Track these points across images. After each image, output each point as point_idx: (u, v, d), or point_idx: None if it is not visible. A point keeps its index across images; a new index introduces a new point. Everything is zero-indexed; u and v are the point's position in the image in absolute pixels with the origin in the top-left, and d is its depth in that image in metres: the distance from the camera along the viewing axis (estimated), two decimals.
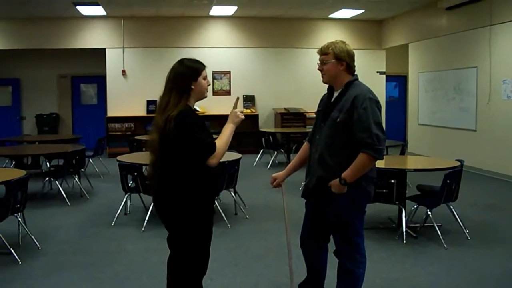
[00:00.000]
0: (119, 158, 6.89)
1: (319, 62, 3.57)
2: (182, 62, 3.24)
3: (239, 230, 6.33)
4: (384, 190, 5.71)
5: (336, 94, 3.56)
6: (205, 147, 3.12)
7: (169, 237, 3.34)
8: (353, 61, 3.54)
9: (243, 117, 3.34)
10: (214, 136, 3.26)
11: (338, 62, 3.49)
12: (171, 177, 3.17)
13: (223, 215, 6.42)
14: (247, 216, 6.92)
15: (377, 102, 3.41)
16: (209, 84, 3.32)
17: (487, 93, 10.33)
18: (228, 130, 3.29)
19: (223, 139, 3.22)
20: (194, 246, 3.26)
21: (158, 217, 3.38)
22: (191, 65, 3.23)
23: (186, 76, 3.17)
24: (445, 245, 5.51)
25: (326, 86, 3.68)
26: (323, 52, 3.55)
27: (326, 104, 3.64)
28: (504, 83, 9.83)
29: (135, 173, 6.40)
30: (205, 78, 3.25)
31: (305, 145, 3.85)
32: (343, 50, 3.49)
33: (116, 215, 6.69)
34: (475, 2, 10.39)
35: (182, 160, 3.13)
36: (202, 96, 3.28)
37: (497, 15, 9.87)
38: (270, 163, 11.57)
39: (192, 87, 3.18)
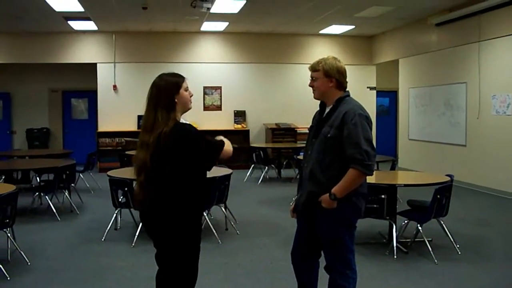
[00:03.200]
0: (110, 173, 6.88)
1: (310, 78, 3.61)
2: (161, 77, 3.25)
3: (229, 246, 6.30)
4: (375, 205, 5.71)
5: (327, 110, 3.59)
6: (216, 145, 3.28)
7: (157, 254, 3.33)
8: (344, 77, 3.56)
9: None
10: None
11: (327, 79, 3.52)
12: (164, 194, 3.15)
13: (214, 231, 6.40)
14: (237, 232, 6.89)
15: (367, 118, 3.43)
16: (192, 95, 3.32)
17: (477, 108, 10.41)
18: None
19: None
20: (183, 262, 3.25)
21: (147, 234, 3.37)
22: (171, 79, 3.24)
23: (169, 91, 3.18)
24: (436, 260, 5.51)
25: (317, 101, 3.71)
26: (313, 68, 3.59)
27: (317, 120, 3.66)
28: (493, 98, 9.91)
29: (126, 188, 6.38)
30: (186, 89, 3.25)
31: None
32: (333, 67, 3.51)
33: (106, 231, 6.65)
34: (464, 19, 10.51)
35: (177, 175, 3.11)
36: (186, 108, 3.28)
37: (486, 32, 9.99)
38: (261, 178, 11.56)
39: (176, 100, 3.18)
